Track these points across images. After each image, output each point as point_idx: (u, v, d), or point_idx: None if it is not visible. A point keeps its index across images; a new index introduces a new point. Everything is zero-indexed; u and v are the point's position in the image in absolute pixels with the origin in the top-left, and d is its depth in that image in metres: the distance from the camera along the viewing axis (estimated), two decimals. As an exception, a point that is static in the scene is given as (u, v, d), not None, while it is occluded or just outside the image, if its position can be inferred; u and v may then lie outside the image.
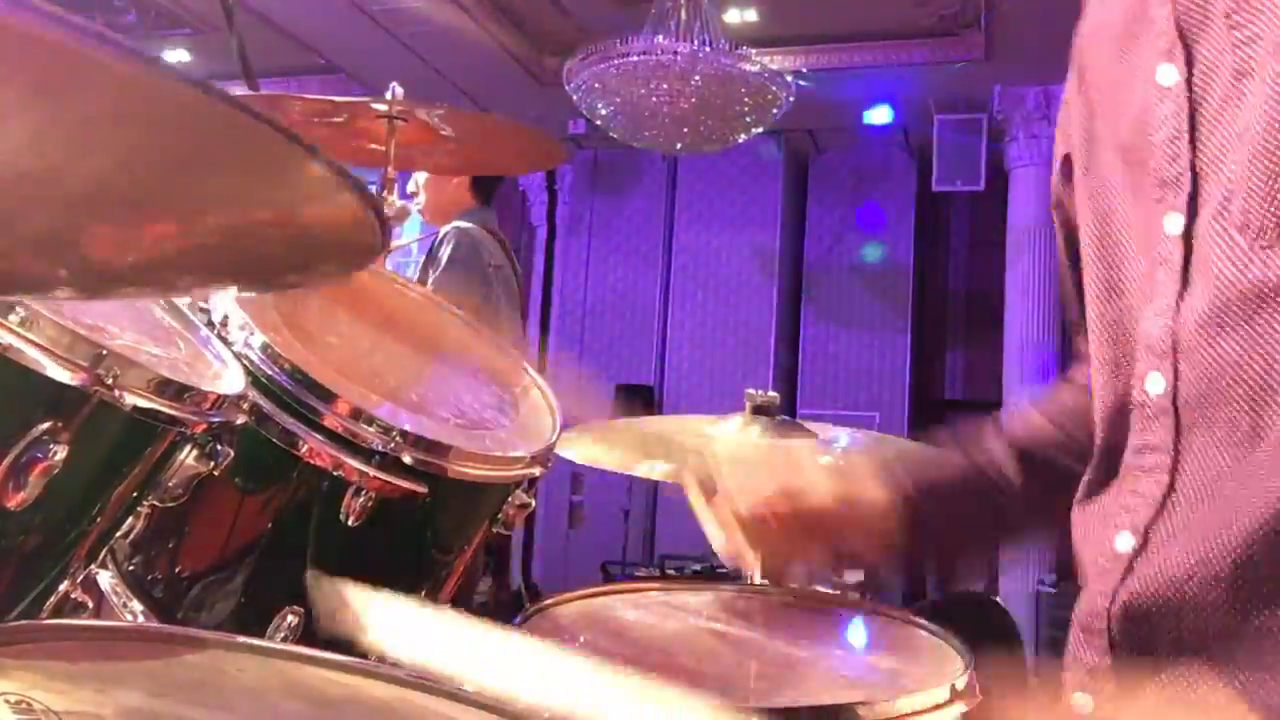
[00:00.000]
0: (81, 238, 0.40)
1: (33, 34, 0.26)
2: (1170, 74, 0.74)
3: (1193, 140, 0.72)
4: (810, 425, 1.82)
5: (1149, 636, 0.72)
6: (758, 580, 1.01)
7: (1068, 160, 0.91)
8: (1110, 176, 0.83)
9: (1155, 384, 0.74)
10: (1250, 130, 0.67)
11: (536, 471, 1.30)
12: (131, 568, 1.15)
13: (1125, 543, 0.75)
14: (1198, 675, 0.69)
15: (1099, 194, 0.85)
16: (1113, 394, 0.81)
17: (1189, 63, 0.73)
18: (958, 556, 1.07)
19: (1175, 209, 0.73)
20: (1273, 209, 0.66)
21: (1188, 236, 0.72)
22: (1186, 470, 0.72)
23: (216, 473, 1.07)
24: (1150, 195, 0.75)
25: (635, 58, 5.50)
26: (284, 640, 1.11)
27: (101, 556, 1.04)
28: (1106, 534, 0.78)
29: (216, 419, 0.99)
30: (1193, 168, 0.72)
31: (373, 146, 2.21)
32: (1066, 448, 0.99)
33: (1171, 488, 0.72)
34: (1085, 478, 0.85)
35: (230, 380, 1.06)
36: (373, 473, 1.13)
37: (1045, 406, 1.04)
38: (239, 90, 1.96)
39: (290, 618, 1.13)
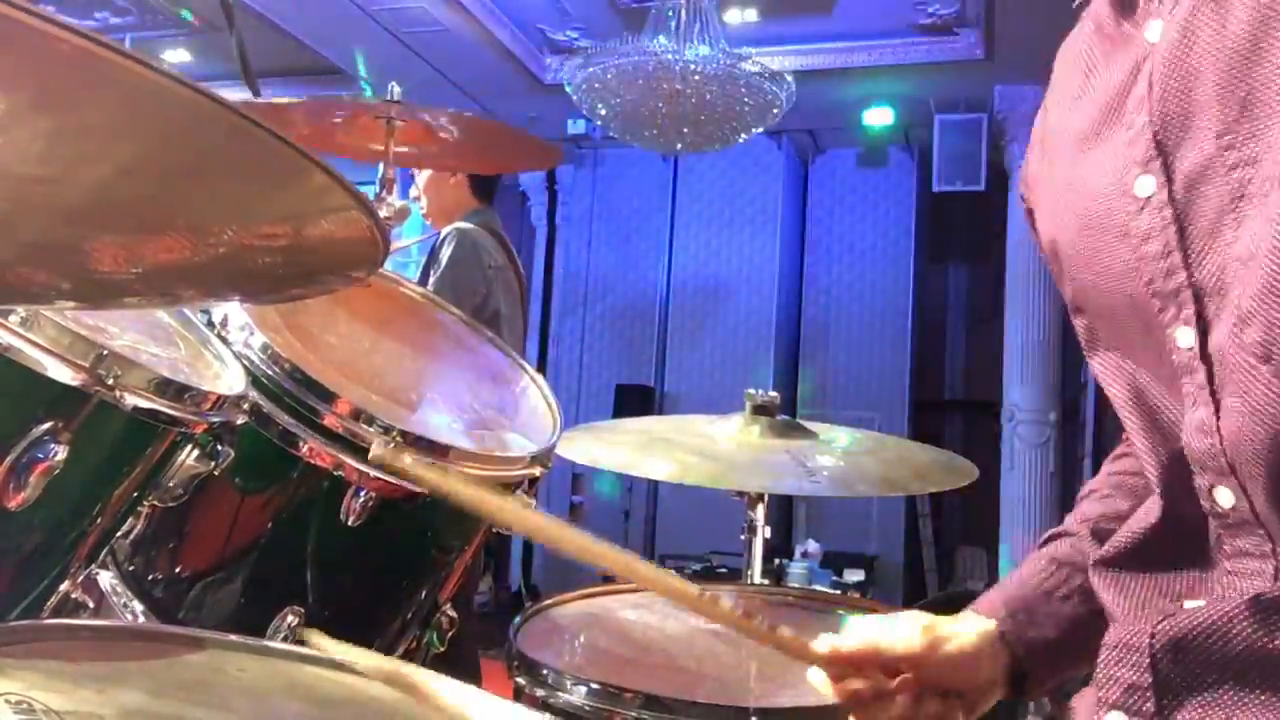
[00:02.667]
0: (85, 248, 0.40)
1: (41, 40, 0.26)
2: (1148, 185, 0.73)
3: (1185, 257, 0.71)
4: (810, 425, 1.82)
5: (1202, 660, 0.70)
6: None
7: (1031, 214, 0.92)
8: (1091, 274, 0.82)
9: (1225, 498, 0.72)
10: (1258, 258, 0.65)
11: (537, 471, 1.30)
12: (132, 568, 1.15)
13: None
14: (1249, 701, 0.68)
15: (1088, 284, 0.83)
16: (1164, 473, 0.78)
17: (1169, 175, 0.72)
18: (1063, 668, 0.96)
19: (1184, 323, 0.71)
20: None
21: (1204, 354, 0.70)
22: None
23: (217, 473, 1.07)
24: (1148, 303, 0.74)
25: (635, 58, 5.50)
26: (284, 640, 1.11)
27: (102, 557, 1.04)
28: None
29: (217, 419, 0.99)
30: (1191, 284, 0.70)
31: (372, 146, 2.21)
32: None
33: (1276, 578, 0.70)
34: (1125, 542, 0.82)
35: (230, 380, 1.06)
36: (373, 472, 1.13)
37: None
38: (241, 93, 1.96)
39: (290, 618, 1.13)
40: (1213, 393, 0.70)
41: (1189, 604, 0.73)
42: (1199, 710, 0.70)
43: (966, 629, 0.92)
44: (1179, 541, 0.78)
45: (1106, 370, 0.84)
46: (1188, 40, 0.71)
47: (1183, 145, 0.71)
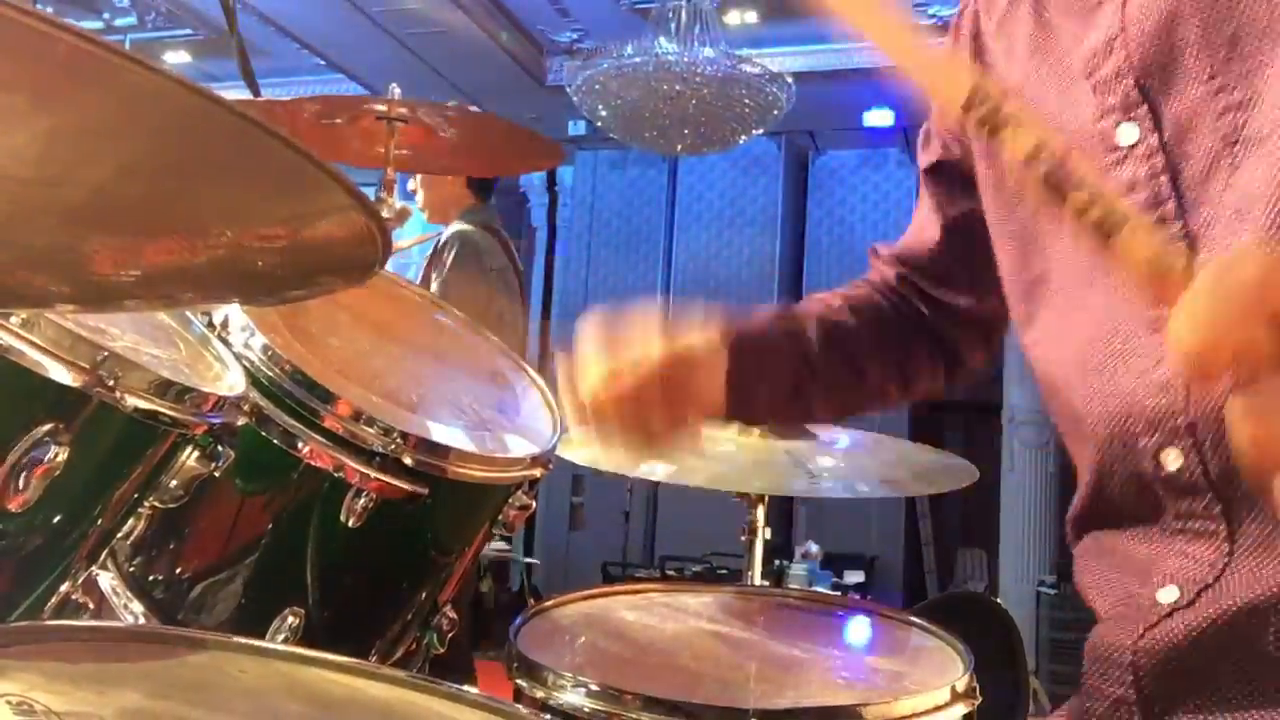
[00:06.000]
0: (84, 251, 0.40)
1: (38, 39, 0.26)
2: (1131, 133, 0.70)
3: (1180, 206, 0.68)
4: (810, 426, 1.82)
5: (1185, 675, 0.69)
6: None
7: (940, 160, 0.95)
8: (1042, 223, 0.80)
9: (1172, 460, 0.70)
10: (1259, 201, 0.63)
11: (537, 473, 1.30)
12: (132, 569, 1.15)
13: (1169, 595, 0.71)
14: (1235, 705, 0.67)
15: (1023, 233, 0.83)
16: (1102, 442, 0.77)
17: (1156, 122, 0.69)
18: (770, 397, 1.03)
19: None
20: None
21: None
22: (1247, 537, 0.68)
23: (217, 474, 1.07)
24: None
25: (636, 59, 5.50)
26: (284, 641, 1.11)
27: (102, 558, 1.04)
28: (1138, 580, 0.74)
29: (217, 420, 0.99)
30: (1185, 233, 0.68)
31: (372, 149, 2.21)
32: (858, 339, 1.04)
33: (1231, 554, 0.68)
34: (1080, 495, 0.82)
35: (231, 381, 1.06)
36: (373, 474, 1.13)
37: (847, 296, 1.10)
38: (240, 93, 1.96)
39: (291, 618, 1.13)
40: None
41: (1161, 595, 0.71)
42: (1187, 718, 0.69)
43: (693, 338, 0.94)
44: (1123, 508, 0.76)
45: (1050, 334, 0.82)
46: None
47: (1169, 90, 0.69)
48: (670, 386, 0.90)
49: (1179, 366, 0.59)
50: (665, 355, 0.90)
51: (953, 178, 0.99)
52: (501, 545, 6.65)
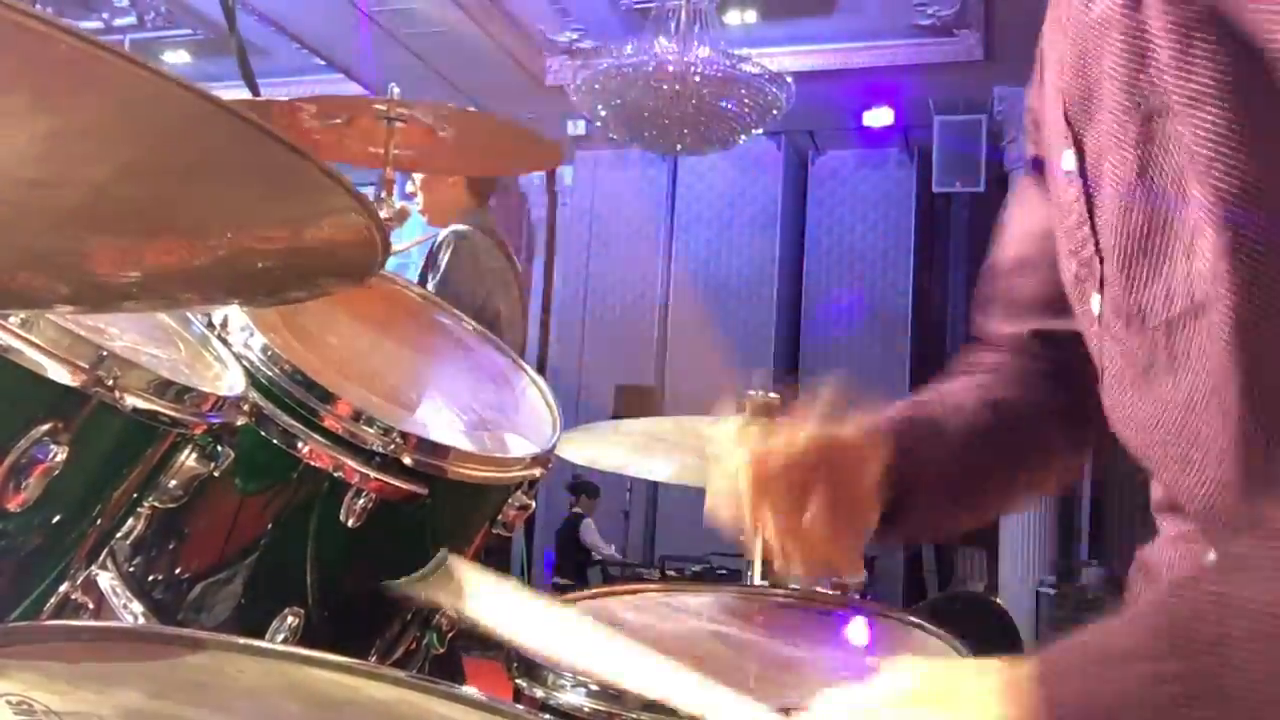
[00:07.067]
0: (83, 252, 0.40)
1: (38, 39, 0.26)
2: (1070, 160, 0.73)
3: (1093, 224, 0.71)
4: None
5: None
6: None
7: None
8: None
9: None
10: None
11: (537, 473, 1.29)
12: (132, 569, 1.15)
13: None
14: None
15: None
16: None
17: (1079, 149, 0.72)
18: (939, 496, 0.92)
19: (1096, 288, 0.73)
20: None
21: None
22: None
23: (216, 474, 1.07)
24: (1074, 276, 0.76)
25: (635, 59, 5.50)
26: (284, 641, 1.11)
27: (102, 558, 1.04)
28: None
29: (216, 420, 0.99)
30: (1098, 249, 0.71)
31: (372, 149, 2.21)
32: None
33: None
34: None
35: (230, 381, 1.06)
36: (373, 474, 1.13)
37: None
38: (240, 93, 1.96)
39: (290, 619, 1.13)
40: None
41: None
42: None
43: (849, 426, 0.89)
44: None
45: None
46: (1090, 14, 0.68)
47: (1088, 119, 0.71)
48: (826, 468, 0.84)
49: None
50: (819, 437, 0.85)
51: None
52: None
